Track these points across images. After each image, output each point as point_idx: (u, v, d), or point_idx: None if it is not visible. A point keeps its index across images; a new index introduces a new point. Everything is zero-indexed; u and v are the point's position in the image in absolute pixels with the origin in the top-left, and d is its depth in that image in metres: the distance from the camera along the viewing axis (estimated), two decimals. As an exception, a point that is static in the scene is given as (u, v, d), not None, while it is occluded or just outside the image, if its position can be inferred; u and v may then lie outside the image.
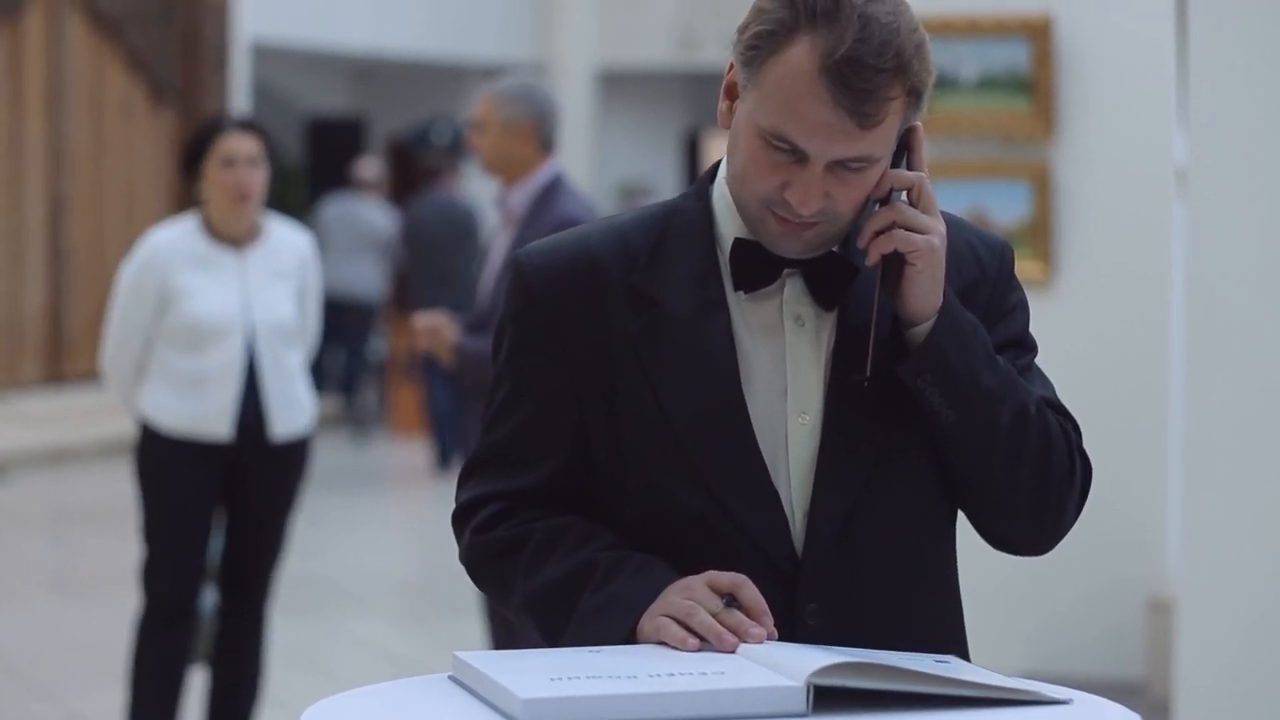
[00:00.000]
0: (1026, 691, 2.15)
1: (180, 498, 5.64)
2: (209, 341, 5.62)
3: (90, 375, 13.87)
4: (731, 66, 2.33)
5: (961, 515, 2.45)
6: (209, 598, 5.77)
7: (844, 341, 2.35)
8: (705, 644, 2.23)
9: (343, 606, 9.12)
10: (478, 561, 2.45)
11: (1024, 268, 6.42)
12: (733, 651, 2.21)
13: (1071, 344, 6.78)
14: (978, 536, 2.46)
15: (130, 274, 5.67)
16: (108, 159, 15.56)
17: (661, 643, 2.24)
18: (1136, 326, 6.97)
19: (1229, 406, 4.99)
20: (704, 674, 2.12)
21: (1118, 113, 6.96)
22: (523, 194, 5.65)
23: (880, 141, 2.27)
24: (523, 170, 5.67)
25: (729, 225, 2.39)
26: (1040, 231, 6.94)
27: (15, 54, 14.77)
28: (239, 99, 15.91)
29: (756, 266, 2.35)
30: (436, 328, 5.64)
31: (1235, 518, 5.00)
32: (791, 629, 2.30)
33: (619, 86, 20.65)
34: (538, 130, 5.67)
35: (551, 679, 2.09)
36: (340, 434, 15.37)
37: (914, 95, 2.28)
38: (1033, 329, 2.48)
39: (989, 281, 2.43)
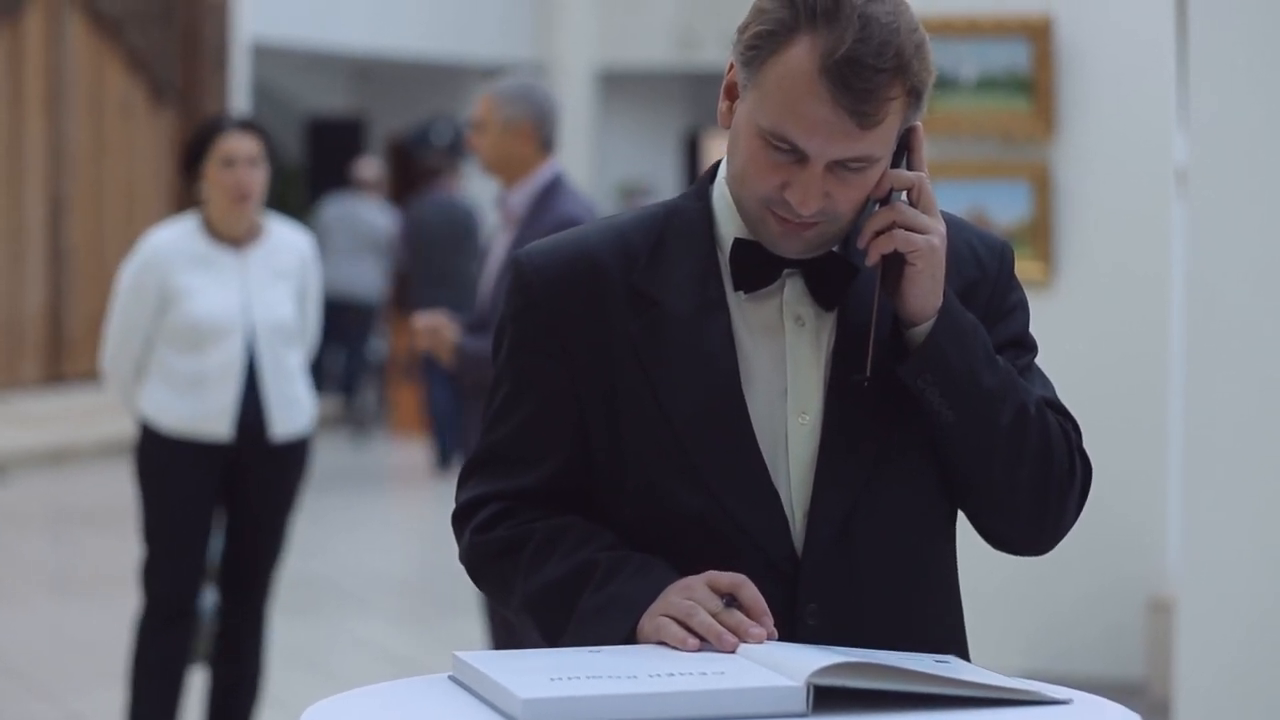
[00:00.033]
0: (1027, 692, 2.15)
1: (180, 498, 5.64)
2: (209, 341, 5.62)
3: (90, 375, 13.87)
4: (731, 66, 2.33)
5: (961, 515, 2.45)
6: (209, 598, 5.77)
7: (844, 341, 2.35)
8: (705, 644, 2.23)
9: (343, 606, 9.12)
10: (478, 561, 2.45)
11: (1024, 268, 6.42)
12: (733, 651, 2.21)
13: (1071, 344, 6.78)
14: (978, 536, 2.47)
15: (130, 274, 5.67)
16: (108, 159, 15.57)
17: (661, 643, 2.24)
18: (1136, 326, 6.97)
19: (1229, 406, 4.99)
20: (704, 674, 2.12)
21: (1118, 113, 6.96)
22: (523, 194, 5.65)
23: (880, 141, 2.27)
24: (523, 170, 5.67)
25: (729, 225, 2.39)
26: (1040, 231, 6.95)
27: (15, 54, 14.77)
28: (239, 99, 15.91)
29: (756, 266, 2.35)
30: (437, 328, 5.64)
31: (1235, 518, 5.00)
32: (791, 629, 2.30)
33: (619, 86, 20.65)
34: (538, 130, 5.67)
35: (551, 679, 2.09)
36: (340, 434, 15.37)
37: (914, 95, 2.28)
38: (1033, 329, 2.48)
39: (989, 281, 2.43)
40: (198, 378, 5.61)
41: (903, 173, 2.33)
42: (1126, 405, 6.90)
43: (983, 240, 2.46)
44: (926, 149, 2.36)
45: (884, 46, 2.23)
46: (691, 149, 21.52)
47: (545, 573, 2.37)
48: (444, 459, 13.63)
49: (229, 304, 5.64)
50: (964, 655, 2.41)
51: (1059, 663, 6.77)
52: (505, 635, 5.48)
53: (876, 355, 2.33)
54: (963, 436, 2.34)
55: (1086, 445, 2.44)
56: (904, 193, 2.33)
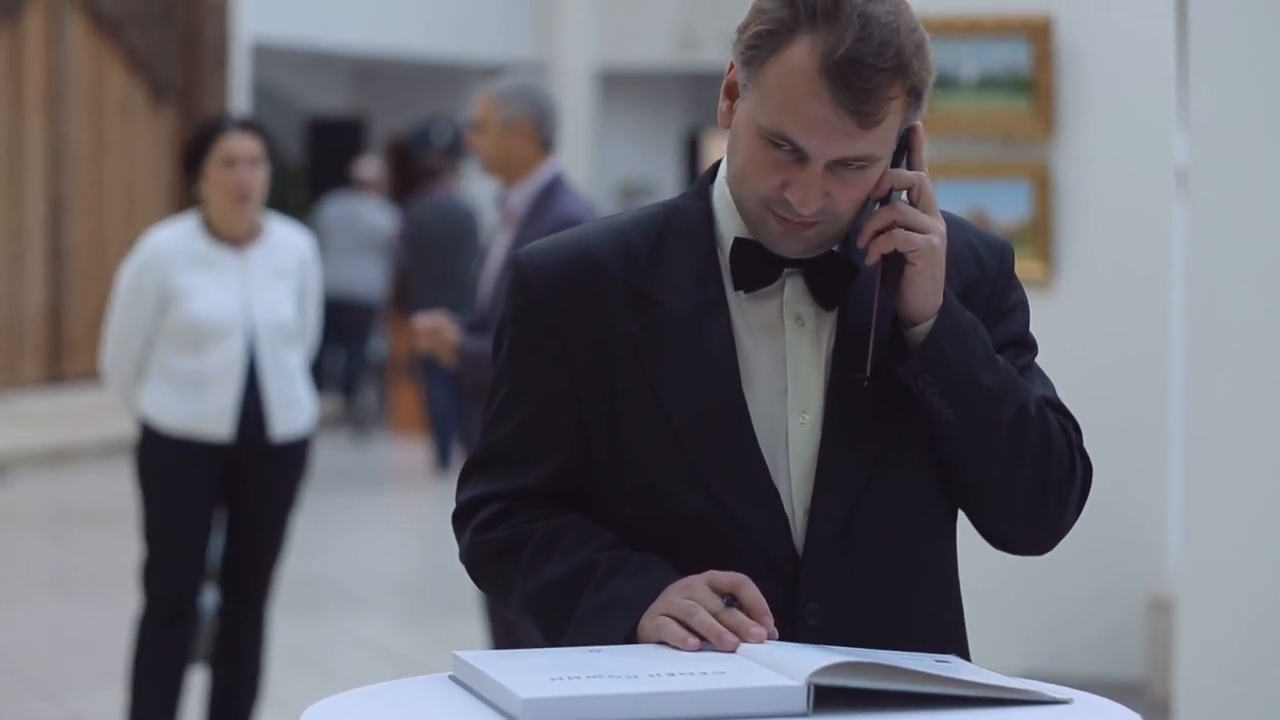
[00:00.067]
0: (1027, 691, 2.15)
1: (180, 497, 5.64)
2: (209, 341, 5.62)
3: (90, 375, 13.87)
4: (731, 66, 2.33)
5: (962, 515, 2.45)
6: (209, 598, 5.77)
7: (844, 341, 2.35)
8: (706, 644, 2.23)
9: (343, 606, 9.12)
10: (478, 561, 2.45)
11: (1024, 267, 6.42)
12: (733, 651, 2.21)
13: (1071, 344, 6.78)
14: (978, 536, 2.46)
15: (130, 274, 5.67)
16: (108, 159, 15.57)
17: (662, 642, 2.24)
18: (1136, 326, 6.96)
19: (1229, 406, 4.99)
20: (704, 674, 2.12)
21: (1118, 113, 6.96)
22: (523, 194, 5.65)
23: (880, 141, 2.27)
24: (523, 170, 5.67)
25: (729, 225, 2.39)
26: (1040, 231, 6.94)
27: (15, 54, 14.77)
28: (239, 99, 15.91)
29: (756, 266, 2.35)
30: (438, 329, 5.64)
31: (1235, 517, 5.00)
32: (792, 628, 2.30)
33: (619, 86, 20.65)
34: (538, 130, 5.67)
35: (552, 679, 2.09)
36: (340, 434, 15.37)
37: (914, 95, 2.28)
38: (1033, 329, 2.48)
39: (989, 281, 2.43)
40: (198, 377, 5.61)
41: (903, 172, 2.33)
42: (1126, 405, 6.90)
43: (983, 240, 2.46)
44: (927, 149, 2.36)
45: (884, 46, 2.23)
46: (691, 149, 21.52)
47: (545, 572, 2.37)
48: (444, 459, 13.63)
49: (229, 304, 5.64)
50: (964, 655, 2.41)
51: (1059, 662, 6.77)
52: (505, 635, 5.48)
53: (876, 355, 2.33)
54: (963, 436, 2.34)
55: (1087, 445, 2.44)
56: (904, 192, 2.33)
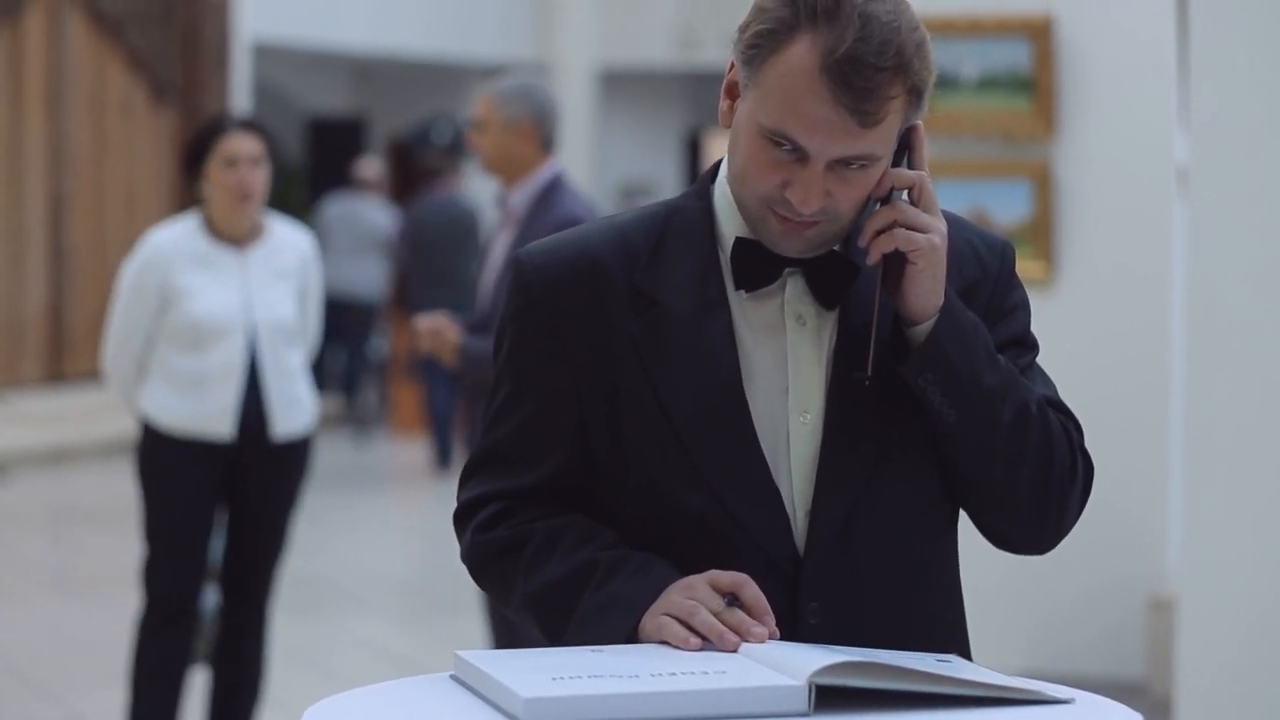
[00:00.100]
0: (1028, 691, 2.15)
1: (181, 497, 5.64)
2: (210, 341, 5.62)
3: (91, 374, 13.87)
4: (732, 66, 2.33)
5: (963, 514, 2.45)
6: (210, 597, 5.77)
7: (845, 340, 2.35)
8: (707, 643, 2.23)
9: (343, 606, 9.11)
10: (479, 561, 2.45)
11: (1025, 267, 6.42)
12: (734, 651, 2.21)
13: (1072, 344, 6.78)
14: (978, 535, 2.46)
15: (131, 273, 5.67)
16: (108, 158, 15.57)
17: (663, 642, 2.24)
18: (1137, 326, 6.97)
19: (1229, 406, 4.99)
20: (705, 673, 2.11)
21: (1118, 112, 6.96)
22: (523, 193, 5.65)
23: (881, 140, 2.27)
24: (523, 170, 5.67)
25: (730, 224, 2.39)
26: (1041, 231, 6.95)
27: (15, 54, 14.77)
28: (239, 99, 15.91)
29: (757, 265, 2.35)
30: (439, 330, 5.64)
31: (1236, 517, 5.00)
32: (793, 628, 2.30)
33: (619, 86, 20.65)
34: (538, 130, 5.67)
35: (553, 678, 2.09)
36: (341, 434, 15.37)
37: (915, 94, 2.28)
38: (1033, 328, 2.48)
39: (990, 281, 2.43)
40: (199, 377, 5.61)
41: (904, 171, 2.33)
42: (1127, 405, 6.90)
43: (984, 239, 2.46)
44: (927, 148, 2.36)
45: (885, 45, 2.23)
46: (692, 149, 21.52)
47: (546, 572, 2.37)
48: (444, 459, 13.63)
49: (230, 303, 5.64)
50: (965, 654, 2.41)
51: (1060, 662, 6.77)
52: (506, 634, 5.48)
53: (878, 354, 2.33)
54: (964, 435, 2.34)
55: (1087, 444, 2.44)
56: (905, 192, 2.33)
